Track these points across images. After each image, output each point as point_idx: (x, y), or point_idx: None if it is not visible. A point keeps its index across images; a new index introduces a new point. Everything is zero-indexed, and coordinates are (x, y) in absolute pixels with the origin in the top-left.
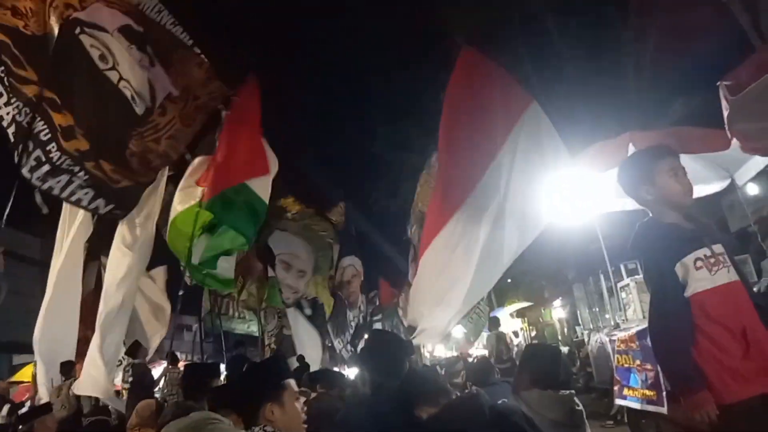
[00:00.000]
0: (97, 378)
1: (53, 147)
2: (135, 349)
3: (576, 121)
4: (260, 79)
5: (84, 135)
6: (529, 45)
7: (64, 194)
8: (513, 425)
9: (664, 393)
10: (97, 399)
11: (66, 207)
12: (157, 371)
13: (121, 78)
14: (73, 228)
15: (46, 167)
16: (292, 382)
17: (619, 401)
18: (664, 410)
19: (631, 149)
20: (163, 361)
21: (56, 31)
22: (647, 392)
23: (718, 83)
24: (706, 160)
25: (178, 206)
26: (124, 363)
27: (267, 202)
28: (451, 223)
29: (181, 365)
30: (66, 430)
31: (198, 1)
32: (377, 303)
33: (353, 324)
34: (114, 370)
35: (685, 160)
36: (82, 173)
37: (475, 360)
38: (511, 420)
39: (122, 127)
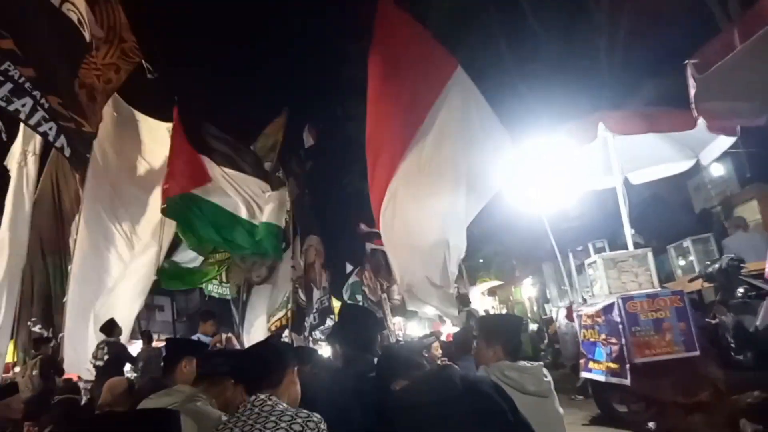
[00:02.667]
0: None
1: (9, 66)
2: (110, 326)
3: (548, 101)
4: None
5: (29, 62)
6: (503, 25)
7: (32, 121)
8: (484, 395)
9: (628, 366)
10: (68, 379)
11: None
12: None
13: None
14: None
15: (9, 85)
16: None
17: (584, 374)
18: (627, 382)
19: (602, 129)
20: (134, 341)
21: None
22: (611, 365)
23: (686, 62)
24: (674, 140)
25: None
26: (97, 340)
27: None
28: (389, 193)
29: (156, 344)
30: (34, 411)
31: None
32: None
33: (317, 306)
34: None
35: (653, 139)
36: (44, 101)
37: (457, 333)
38: (482, 390)
39: (70, 54)
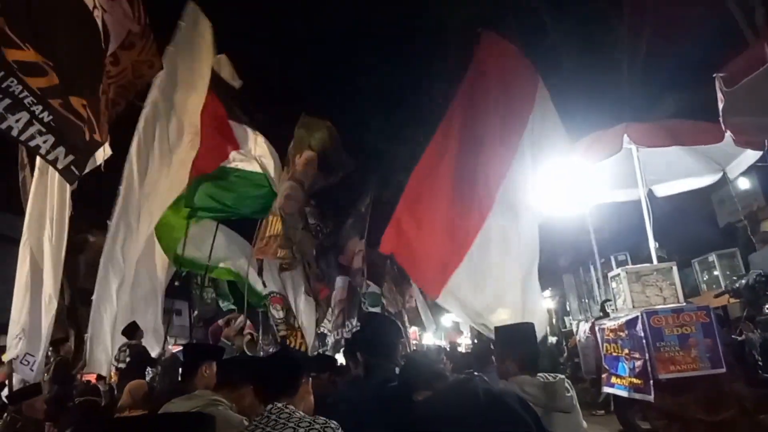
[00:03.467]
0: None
1: (13, 82)
2: (132, 329)
3: (571, 114)
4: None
5: (53, 68)
6: (524, 37)
7: (23, 136)
8: (507, 408)
9: (651, 381)
10: (88, 381)
11: (35, 181)
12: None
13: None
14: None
15: (6, 101)
16: None
17: (606, 389)
18: (650, 398)
19: (626, 141)
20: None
21: None
22: (635, 380)
23: (715, 75)
24: (699, 153)
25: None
26: (119, 343)
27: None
28: (489, 220)
29: (173, 348)
30: (53, 412)
31: None
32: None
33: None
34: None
35: (678, 152)
36: (45, 114)
37: (476, 344)
38: (506, 403)
39: (97, 58)
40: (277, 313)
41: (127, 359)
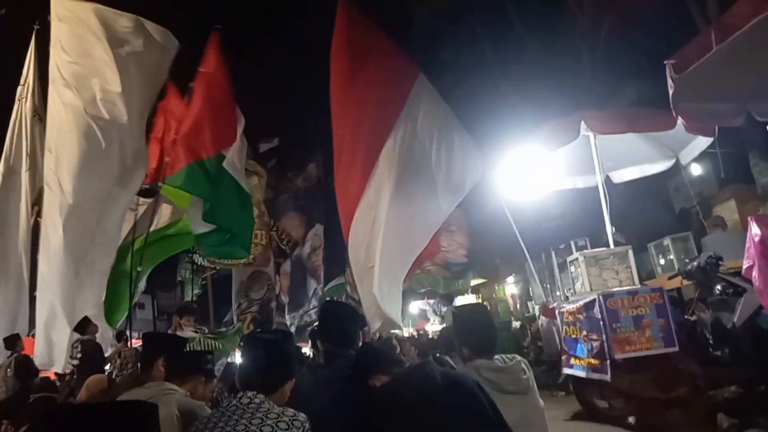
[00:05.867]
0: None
1: None
2: (84, 324)
3: (531, 101)
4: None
5: None
6: (487, 26)
7: None
8: (466, 391)
9: (608, 362)
10: (45, 377)
11: None
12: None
13: None
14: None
15: None
16: None
17: (566, 370)
18: (607, 378)
19: (584, 128)
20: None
21: None
22: (592, 361)
23: (666, 62)
24: (653, 140)
25: None
26: (72, 339)
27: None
28: (366, 197)
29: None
30: (11, 410)
31: None
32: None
33: (313, 298)
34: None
35: (633, 139)
36: None
37: (443, 330)
38: (464, 385)
39: None
40: (255, 294)
41: (79, 355)
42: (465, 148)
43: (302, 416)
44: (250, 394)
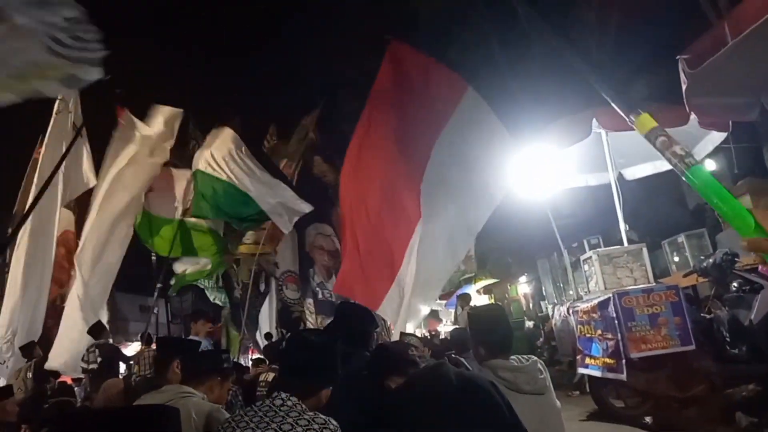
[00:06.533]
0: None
1: None
2: (98, 329)
3: (541, 99)
4: None
5: None
6: (495, 24)
7: None
8: (481, 391)
9: (624, 361)
10: (63, 382)
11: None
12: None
13: None
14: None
15: None
16: None
17: (581, 370)
18: (623, 377)
19: (595, 125)
20: (128, 343)
21: None
22: (608, 360)
23: (678, 57)
24: None
25: None
26: (87, 343)
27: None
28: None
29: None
30: (28, 413)
31: None
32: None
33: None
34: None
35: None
36: None
37: (454, 331)
38: (479, 385)
39: None
40: (291, 293)
41: (98, 359)
42: (504, 155)
43: (333, 423)
44: (284, 395)
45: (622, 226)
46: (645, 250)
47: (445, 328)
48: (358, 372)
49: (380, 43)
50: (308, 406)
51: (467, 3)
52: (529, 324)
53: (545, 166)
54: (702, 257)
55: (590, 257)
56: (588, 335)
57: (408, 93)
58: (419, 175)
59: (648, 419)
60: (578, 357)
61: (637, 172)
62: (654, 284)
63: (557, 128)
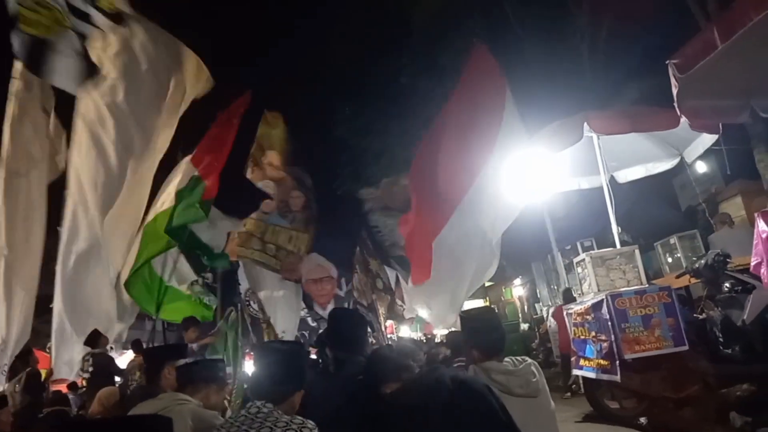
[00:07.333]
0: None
1: None
2: (95, 338)
3: (533, 104)
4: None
5: None
6: (487, 29)
7: None
8: (476, 393)
9: (618, 362)
10: (57, 391)
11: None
12: (121, 361)
13: None
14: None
15: None
16: None
17: (575, 371)
18: (617, 378)
19: (587, 129)
20: (124, 351)
21: None
22: (602, 362)
23: (667, 62)
24: (657, 138)
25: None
26: (83, 353)
27: None
28: (453, 219)
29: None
30: (23, 423)
31: None
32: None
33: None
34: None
35: (637, 139)
36: None
37: (449, 334)
38: (474, 388)
39: None
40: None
41: (90, 369)
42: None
43: (311, 423)
44: (258, 403)
45: (615, 228)
46: (637, 251)
47: (440, 331)
48: (353, 377)
49: (373, 46)
50: (283, 411)
51: (459, 8)
52: (524, 326)
53: (538, 170)
54: (694, 258)
55: (583, 259)
56: (582, 337)
57: (478, 101)
58: (466, 186)
59: (643, 420)
60: (572, 359)
61: (629, 174)
62: (647, 285)
63: (549, 132)
